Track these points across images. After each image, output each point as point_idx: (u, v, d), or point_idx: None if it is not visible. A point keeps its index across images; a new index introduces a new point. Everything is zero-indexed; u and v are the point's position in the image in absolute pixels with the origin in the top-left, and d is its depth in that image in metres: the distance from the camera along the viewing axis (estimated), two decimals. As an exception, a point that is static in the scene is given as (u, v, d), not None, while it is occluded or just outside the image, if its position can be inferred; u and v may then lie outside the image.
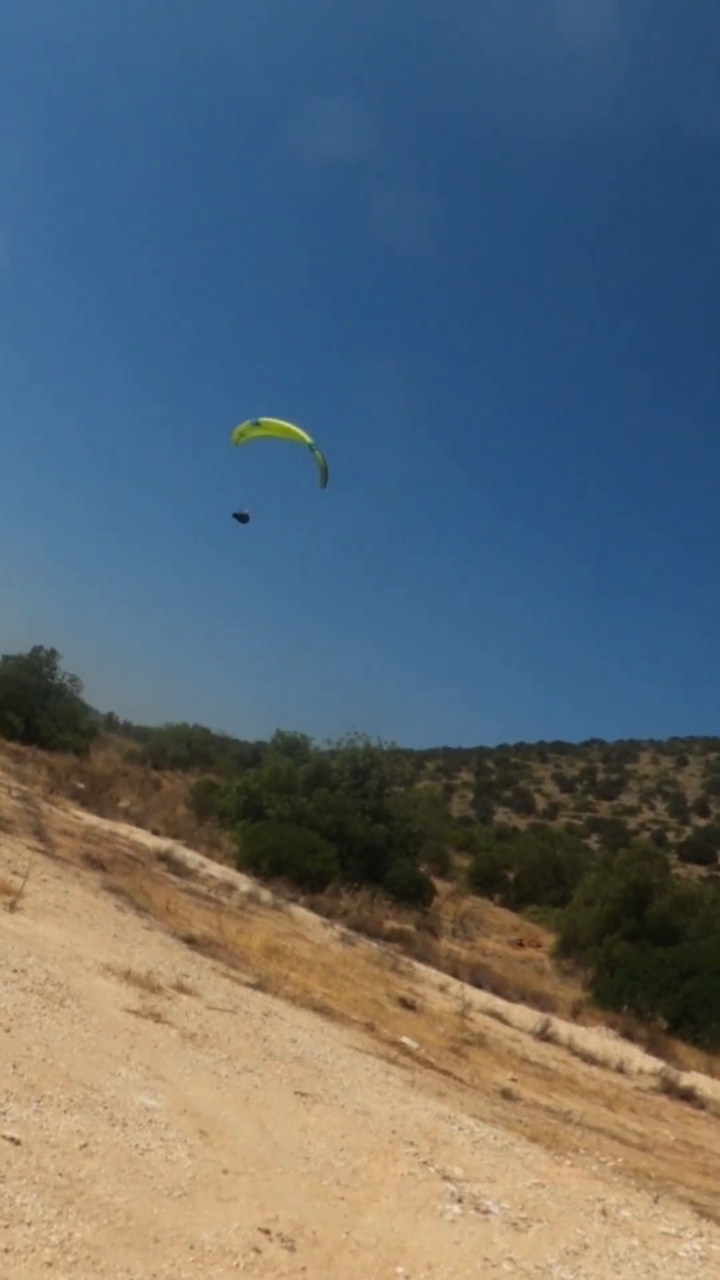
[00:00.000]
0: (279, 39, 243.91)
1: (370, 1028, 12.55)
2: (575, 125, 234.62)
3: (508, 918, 44.14)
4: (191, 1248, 4.81)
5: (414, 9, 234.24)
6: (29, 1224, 4.40)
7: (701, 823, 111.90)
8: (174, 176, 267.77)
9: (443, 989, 19.01)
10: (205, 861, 23.04)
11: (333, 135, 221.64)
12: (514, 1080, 13.11)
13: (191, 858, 22.13)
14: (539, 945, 37.79)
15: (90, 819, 22.43)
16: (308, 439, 17.82)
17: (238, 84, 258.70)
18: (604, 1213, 7.70)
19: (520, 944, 37.62)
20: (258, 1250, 5.05)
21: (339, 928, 21.18)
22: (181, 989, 10.08)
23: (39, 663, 45.14)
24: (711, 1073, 19.67)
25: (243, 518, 18.24)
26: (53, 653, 46.02)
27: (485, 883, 52.00)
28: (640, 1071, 17.53)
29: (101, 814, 24.27)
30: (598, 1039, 19.71)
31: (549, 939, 38.36)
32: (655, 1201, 8.62)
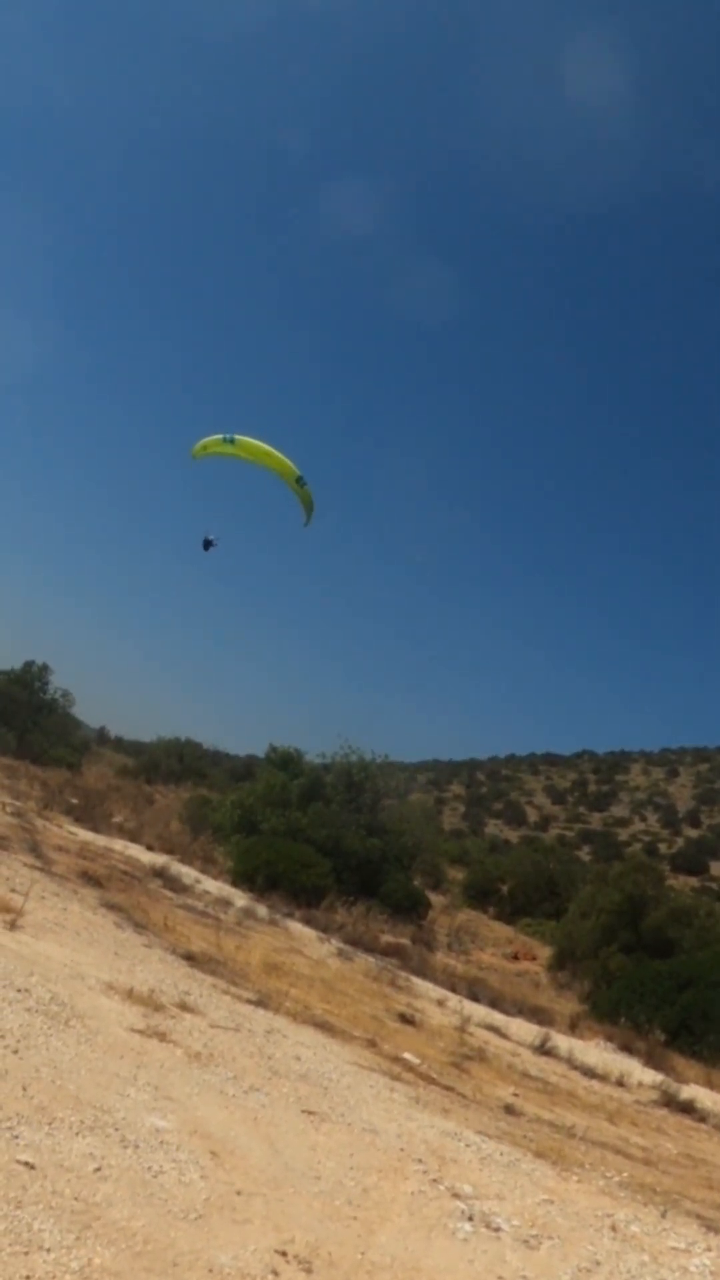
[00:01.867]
0: (294, 120, 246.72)
1: (372, 1044, 12.51)
2: (589, 187, 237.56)
3: (502, 931, 44.09)
4: (210, 1271, 4.79)
5: (423, 84, 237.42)
6: (48, 1250, 4.37)
7: (693, 833, 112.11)
8: (193, 260, 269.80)
9: (441, 1003, 18.96)
10: (200, 877, 22.96)
11: (351, 213, 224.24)
12: (516, 1095, 13.08)
13: (187, 873, 22.06)
14: (534, 958, 37.73)
15: (85, 835, 22.34)
16: (295, 470, 16.65)
17: (255, 167, 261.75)
18: (614, 1228, 7.69)
19: (516, 957, 37.56)
20: (275, 1273, 5.03)
21: (335, 943, 21.11)
22: (184, 1007, 10.04)
23: (31, 678, 45.09)
24: (711, 1085, 19.64)
25: (207, 544, 17.58)
26: (45, 668, 46.03)
27: (479, 895, 51.95)
28: (640, 1084, 17.50)
29: (96, 829, 24.18)
30: (597, 1052, 19.68)
31: (544, 952, 38.31)
32: (663, 1216, 8.62)
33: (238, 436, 17.14)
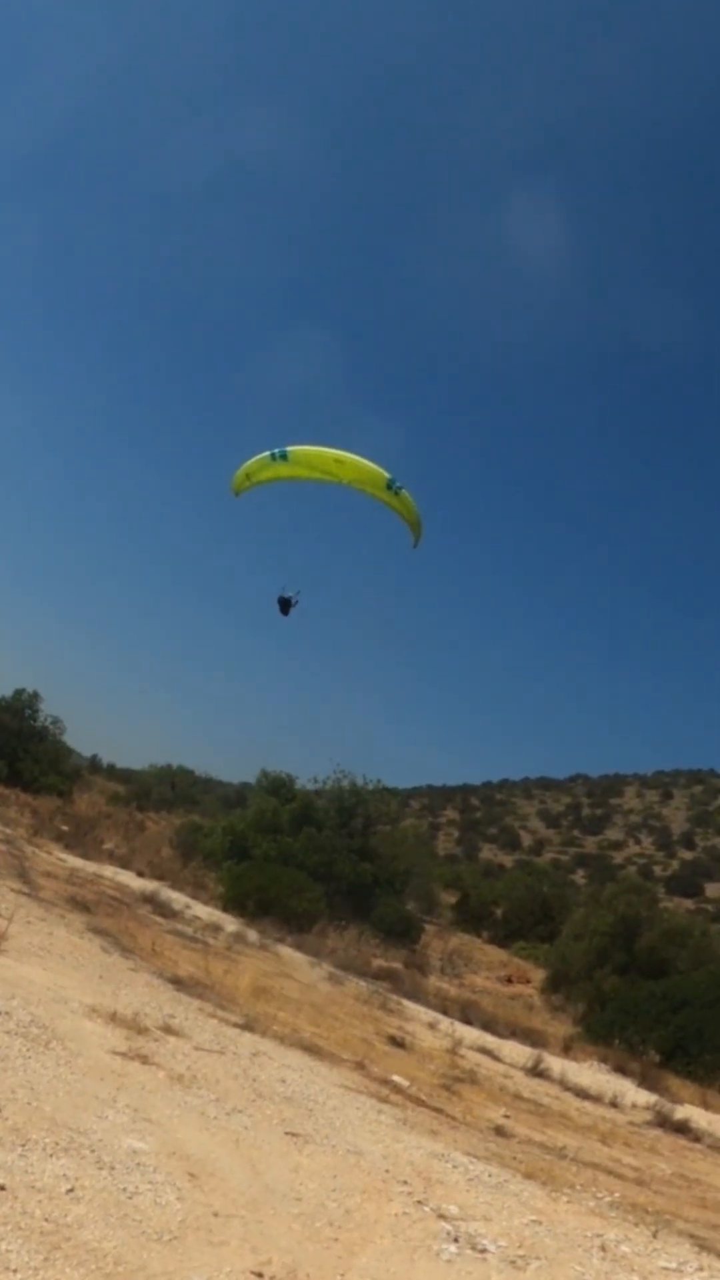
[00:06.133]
0: (244, 272, 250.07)
1: (360, 1066, 12.38)
2: (532, 340, 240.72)
3: (496, 954, 43.79)
4: (183, 1292, 4.69)
5: (366, 239, 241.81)
6: (14, 1271, 4.28)
7: (688, 856, 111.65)
8: (144, 409, 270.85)
9: (432, 1026, 18.80)
10: (191, 902, 22.81)
11: (298, 364, 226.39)
12: (507, 1117, 12.94)
13: (177, 899, 21.91)
14: (528, 981, 37.48)
15: (74, 861, 22.21)
16: (384, 474, 12.90)
17: (205, 318, 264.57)
18: (603, 1249, 7.57)
19: (509, 980, 37.31)
20: (251, 1294, 4.93)
21: (327, 967, 20.95)
22: (169, 1030, 9.92)
23: (21, 705, 44.78)
24: (705, 1105, 19.49)
25: (285, 604, 14.19)
26: (35, 695, 45.67)
27: (473, 919, 51.68)
28: (634, 1106, 17.35)
29: (86, 856, 24.05)
30: (590, 1074, 19.52)
31: (538, 975, 38.06)
32: (654, 1236, 8.49)
33: (292, 448, 13.53)
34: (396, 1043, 15.55)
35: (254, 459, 13.65)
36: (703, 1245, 8.71)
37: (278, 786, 40.93)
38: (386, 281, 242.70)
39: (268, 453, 13.49)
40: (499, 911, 52.58)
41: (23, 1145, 5.59)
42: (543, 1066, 17.81)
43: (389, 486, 12.97)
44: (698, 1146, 15.65)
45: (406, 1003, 20.36)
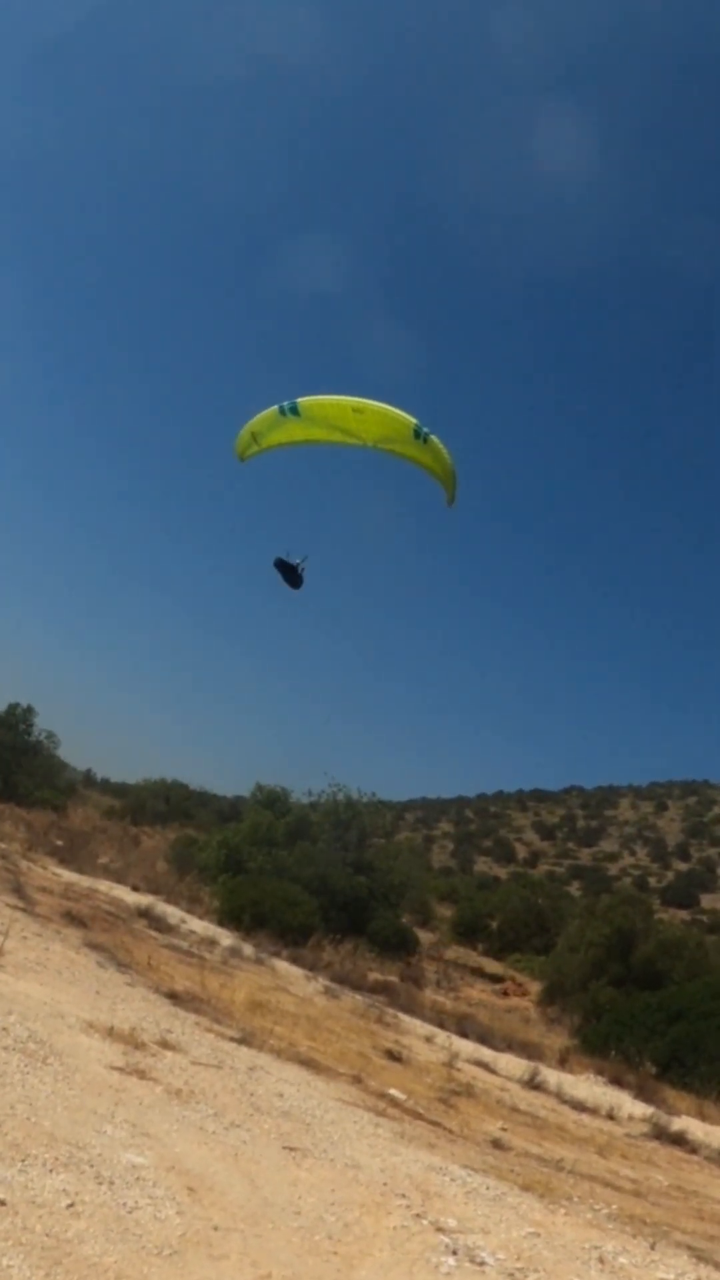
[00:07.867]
0: (263, 174, 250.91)
1: (357, 1080, 12.39)
2: (559, 264, 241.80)
3: (492, 967, 43.78)
4: (183, 1306, 4.71)
5: (393, 144, 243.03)
6: (17, 1286, 4.30)
7: (682, 867, 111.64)
8: (161, 309, 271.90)
9: (429, 1040, 18.79)
10: (186, 917, 22.78)
11: (315, 271, 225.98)
12: (504, 1129, 12.94)
13: (172, 913, 21.89)
14: (524, 993, 37.47)
15: (69, 876, 22.18)
16: (410, 420, 11.03)
17: (224, 221, 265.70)
18: (601, 1260, 7.59)
19: (505, 993, 37.29)
20: (251, 1307, 4.95)
21: (322, 981, 20.93)
22: (165, 1045, 9.93)
23: (15, 720, 44.81)
24: (702, 1116, 19.47)
25: (290, 571, 12.23)
26: (29, 709, 45.72)
27: (468, 932, 51.64)
28: (630, 1117, 17.34)
29: (81, 870, 24.01)
30: (587, 1086, 19.50)
31: (534, 987, 38.06)
32: (652, 1248, 8.51)
33: (303, 400, 11.54)
34: (393, 1056, 15.55)
35: (260, 415, 11.89)
36: (700, 1256, 8.73)
37: (273, 800, 40.97)
38: (407, 186, 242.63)
39: (275, 407, 11.71)
40: (494, 924, 52.56)
41: (22, 1161, 5.61)
42: (539, 1079, 17.81)
43: (416, 435, 11.12)
44: (694, 1158, 15.65)
45: (403, 1016, 20.34)
